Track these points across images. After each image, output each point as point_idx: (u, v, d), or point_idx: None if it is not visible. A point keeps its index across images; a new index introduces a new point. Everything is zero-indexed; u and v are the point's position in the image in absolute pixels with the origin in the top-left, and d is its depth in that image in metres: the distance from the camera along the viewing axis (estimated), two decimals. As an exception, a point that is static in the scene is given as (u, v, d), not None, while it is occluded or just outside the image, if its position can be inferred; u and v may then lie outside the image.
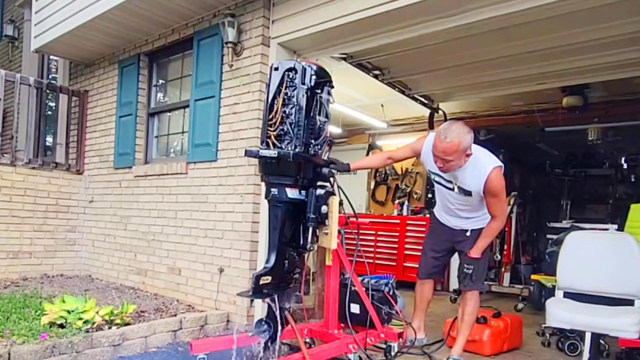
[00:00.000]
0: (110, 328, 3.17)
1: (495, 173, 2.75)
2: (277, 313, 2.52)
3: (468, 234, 3.12)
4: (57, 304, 3.25)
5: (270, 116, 2.49)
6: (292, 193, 2.48)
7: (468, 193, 2.90)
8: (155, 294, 4.57)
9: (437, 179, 3.07)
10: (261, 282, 2.37)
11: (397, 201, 7.38)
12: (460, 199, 3.01)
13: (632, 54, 4.14)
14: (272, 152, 2.41)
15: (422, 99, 6.16)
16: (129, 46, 5.23)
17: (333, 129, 6.92)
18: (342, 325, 3.03)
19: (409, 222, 6.53)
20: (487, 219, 3.02)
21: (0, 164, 5.13)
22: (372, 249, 6.66)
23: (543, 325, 3.68)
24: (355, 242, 2.93)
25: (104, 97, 5.63)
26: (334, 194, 2.65)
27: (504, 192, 2.84)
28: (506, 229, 6.49)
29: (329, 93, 2.63)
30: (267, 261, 2.46)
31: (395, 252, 6.51)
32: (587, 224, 5.92)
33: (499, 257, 6.12)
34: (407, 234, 6.44)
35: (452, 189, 2.98)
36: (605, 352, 3.36)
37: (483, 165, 2.78)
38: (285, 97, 2.48)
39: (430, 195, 7.00)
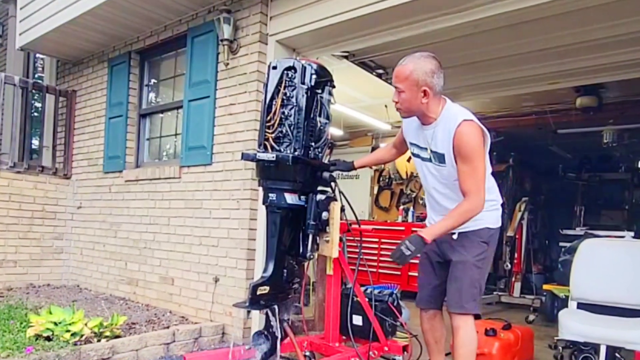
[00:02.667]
0: (99, 341, 3.16)
1: (467, 126, 2.29)
2: (276, 325, 2.53)
3: (455, 237, 2.49)
4: (43, 315, 3.25)
5: (268, 117, 2.50)
6: (291, 198, 2.48)
7: (442, 159, 2.42)
8: (146, 305, 4.57)
9: (415, 151, 2.60)
10: (258, 293, 2.37)
11: (401, 207, 7.39)
12: (437, 175, 2.51)
13: (649, 52, 4.16)
14: (270, 156, 2.42)
15: (428, 99, 6.17)
16: (119, 44, 5.25)
17: (334, 131, 6.95)
18: (344, 337, 3.03)
19: (414, 229, 6.52)
20: (479, 219, 2.41)
21: (-16, 168, 5.14)
22: (375, 258, 6.66)
23: (555, 338, 3.66)
24: (357, 250, 2.93)
25: (92, 97, 5.64)
26: (335, 200, 2.66)
27: (481, 158, 2.31)
28: (517, 236, 6.49)
29: (330, 93, 2.64)
30: (265, 270, 2.47)
31: (399, 260, 6.50)
32: (601, 230, 5.96)
33: (509, 266, 6.12)
34: (413, 241, 6.44)
35: (429, 159, 2.50)
36: (621, 366, 3.35)
37: (454, 116, 2.35)
38: (284, 97, 2.48)
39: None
